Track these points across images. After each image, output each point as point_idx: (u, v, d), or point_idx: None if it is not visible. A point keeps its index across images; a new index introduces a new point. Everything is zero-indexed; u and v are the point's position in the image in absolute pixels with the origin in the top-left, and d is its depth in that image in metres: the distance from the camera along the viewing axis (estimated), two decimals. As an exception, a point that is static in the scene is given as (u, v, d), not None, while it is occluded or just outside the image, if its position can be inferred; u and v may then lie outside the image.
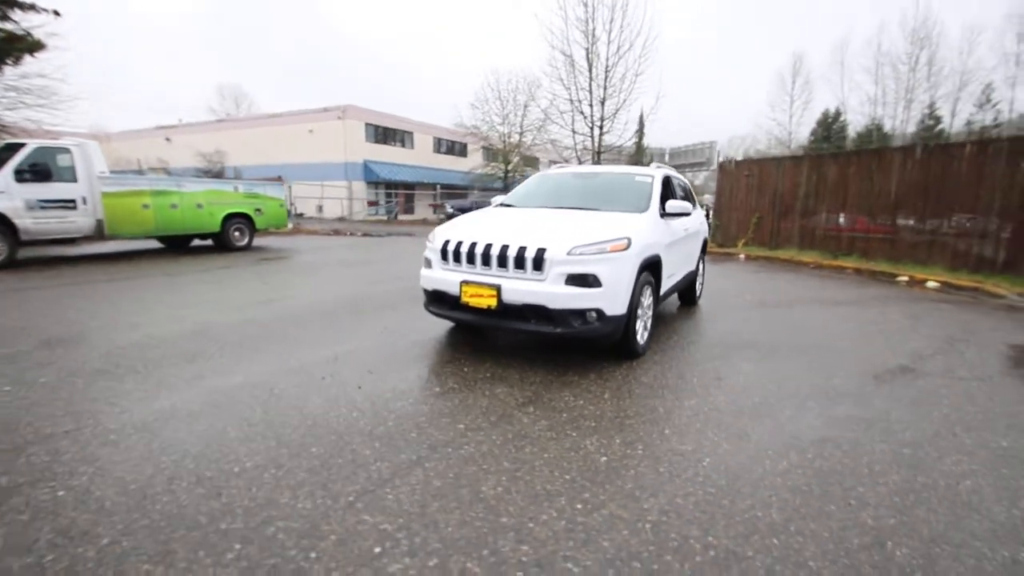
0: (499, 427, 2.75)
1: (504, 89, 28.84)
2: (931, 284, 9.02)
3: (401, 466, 2.31)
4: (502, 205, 5.09)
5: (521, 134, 29.10)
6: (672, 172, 5.75)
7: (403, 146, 30.93)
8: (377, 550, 1.76)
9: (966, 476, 2.43)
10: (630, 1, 19.22)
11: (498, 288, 3.53)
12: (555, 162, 42.02)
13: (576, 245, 3.50)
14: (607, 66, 19.06)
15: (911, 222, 11.45)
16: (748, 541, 1.89)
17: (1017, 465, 2.56)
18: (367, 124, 28.17)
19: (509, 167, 29.40)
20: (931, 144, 12.08)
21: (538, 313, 3.50)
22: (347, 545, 1.77)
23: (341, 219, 25.42)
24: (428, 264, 4.09)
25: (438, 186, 27.61)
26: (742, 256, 13.37)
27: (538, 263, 3.49)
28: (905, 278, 9.64)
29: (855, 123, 40.63)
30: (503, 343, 4.33)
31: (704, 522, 1.99)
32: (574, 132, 20.41)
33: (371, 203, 28.33)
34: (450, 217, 25.17)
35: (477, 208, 23.43)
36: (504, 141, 29.19)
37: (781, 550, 1.85)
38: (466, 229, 4.00)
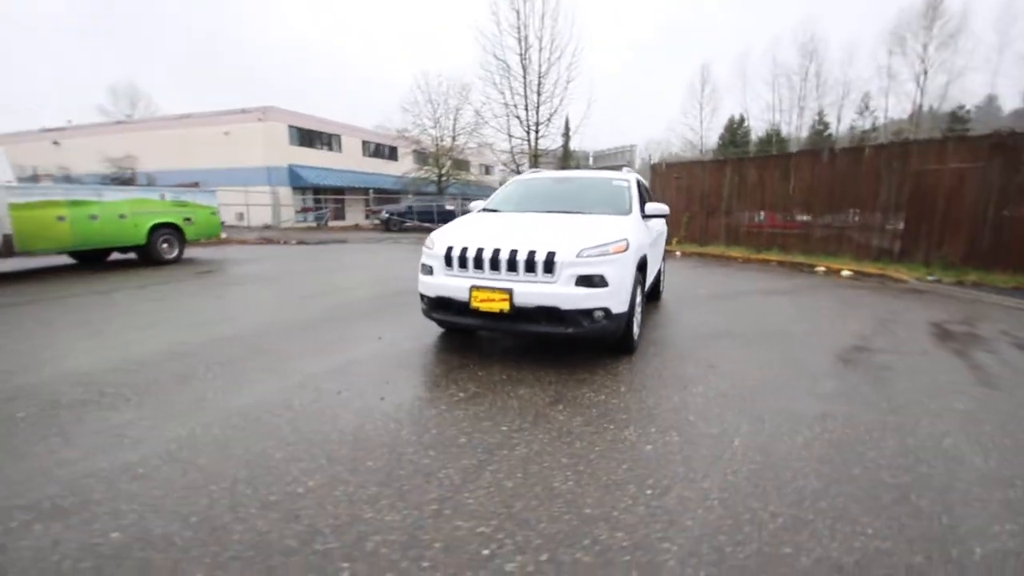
0: (540, 426, 2.83)
1: (435, 92, 28.65)
2: (845, 273, 10.16)
3: (468, 471, 2.33)
4: (486, 211, 5.14)
5: (454, 137, 29.00)
6: (639, 176, 6.08)
7: (330, 149, 29.76)
8: (486, 552, 1.79)
9: (944, 435, 2.85)
10: (560, 12, 19.82)
11: (510, 292, 3.60)
12: (485, 165, 42.21)
13: (584, 248, 3.65)
14: (540, 72, 19.57)
15: (821, 219, 12.81)
16: (803, 507, 2.12)
17: (977, 423, 3.03)
18: (290, 126, 26.81)
19: (443, 171, 29.20)
20: (836, 149, 13.52)
21: (550, 314, 3.62)
22: (455, 551, 1.79)
23: (267, 227, 24.01)
24: (429, 271, 4.07)
25: (371, 191, 26.85)
26: (678, 253, 14.23)
27: (548, 266, 3.61)
28: (823, 268, 10.77)
29: (757, 128, 44.52)
30: (501, 346, 4.39)
31: (760, 495, 2.20)
32: (510, 136, 20.75)
33: (306, 209, 27.02)
34: (385, 223, 24.64)
35: (414, 213, 23.02)
36: (437, 144, 28.96)
37: (833, 511, 2.09)
38: (467, 235, 4.03)
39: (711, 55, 74.37)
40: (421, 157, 32.76)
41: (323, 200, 28.06)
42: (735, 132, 45.38)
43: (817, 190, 12.69)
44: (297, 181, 26.58)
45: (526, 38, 19.19)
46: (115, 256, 10.32)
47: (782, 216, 13.72)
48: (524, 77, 19.56)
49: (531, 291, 3.59)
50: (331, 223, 27.62)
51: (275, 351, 4.15)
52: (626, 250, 3.83)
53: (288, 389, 3.31)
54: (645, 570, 1.73)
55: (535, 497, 2.14)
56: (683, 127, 48.12)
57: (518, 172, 21.62)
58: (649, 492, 2.20)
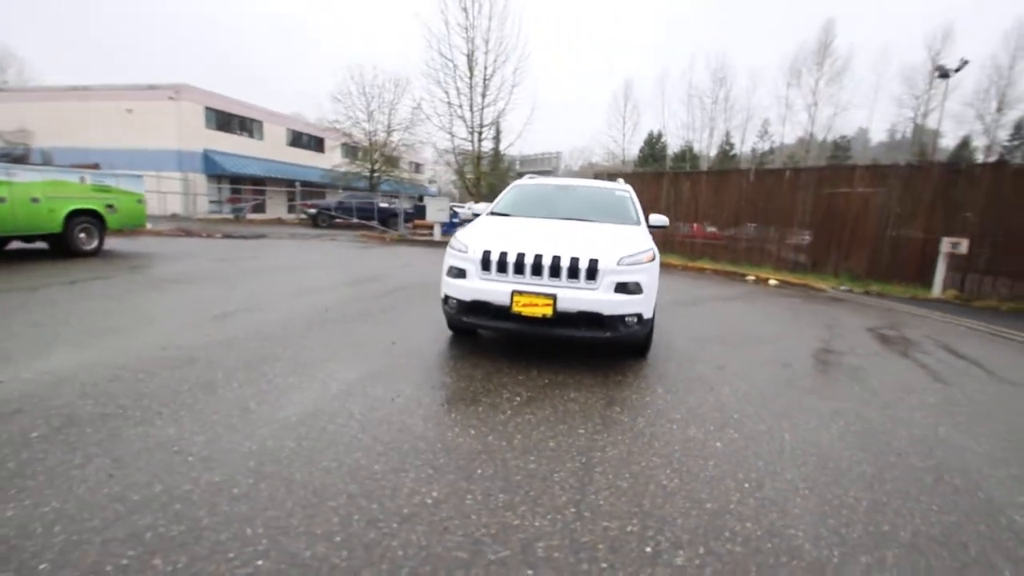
0: (613, 428, 2.95)
1: (369, 85, 27.66)
2: (772, 282, 11.29)
3: (578, 474, 2.39)
4: (494, 214, 5.16)
5: (388, 132, 28.19)
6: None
7: (251, 136, 27.67)
8: (648, 550, 1.88)
9: (935, 425, 3.35)
10: (507, 16, 20.04)
11: (554, 297, 3.68)
12: (415, 163, 41.38)
13: (623, 256, 3.83)
14: (486, 75, 19.64)
15: (746, 232, 14.12)
16: (875, 490, 2.43)
17: (952, 414, 3.59)
18: (207, 108, 24.57)
19: (375, 166, 28.28)
20: (760, 169, 14.96)
21: (591, 319, 3.75)
22: (620, 550, 1.86)
23: (176, 217, 21.83)
24: (460, 274, 4.03)
25: (297, 183, 25.33)
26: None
27: (591, 273, 3.74)
28: (752, 277, 11.87)
29: (673, 144, 47.78)
30: (518, 349, 4.43)
31: (836, 483, 2.48)
32: (453, 136, 20.61)
33: (234, 199, 24.91)
34: (314, 218, 23.34)
35: (344, 209, 22.04)
36: (370, 139, 27.98)
37: (899, 493, 2.42)
38: (500, 239, 4.04)
39: (634, 71, 78.70)
40: (351, 151, 31.49)
41: (243, 190, 26.04)
42: (654, 146, 48.39)
43: (743, 206, 13.97)
44: (213, 168, 24.44)
45: (473, 39, 19.21)
46: (16, 245, 8.96)
47: (713, 228, 14.95)
48: (470, 78, 19.55)
49: (575, 296, 3.70)
50: (250, 216, 25.70)
51: (289, 356, 3.89)
52: (653, 259, 4.06)
53: (337, 397, 3.14)
54: (790, 554, 1.91)
55: (657, 495, 2.25)
56: (607, 138, 50.49)
57: (461, 173, 21.54)
58: (747, 486, 2.40)
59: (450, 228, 19.70)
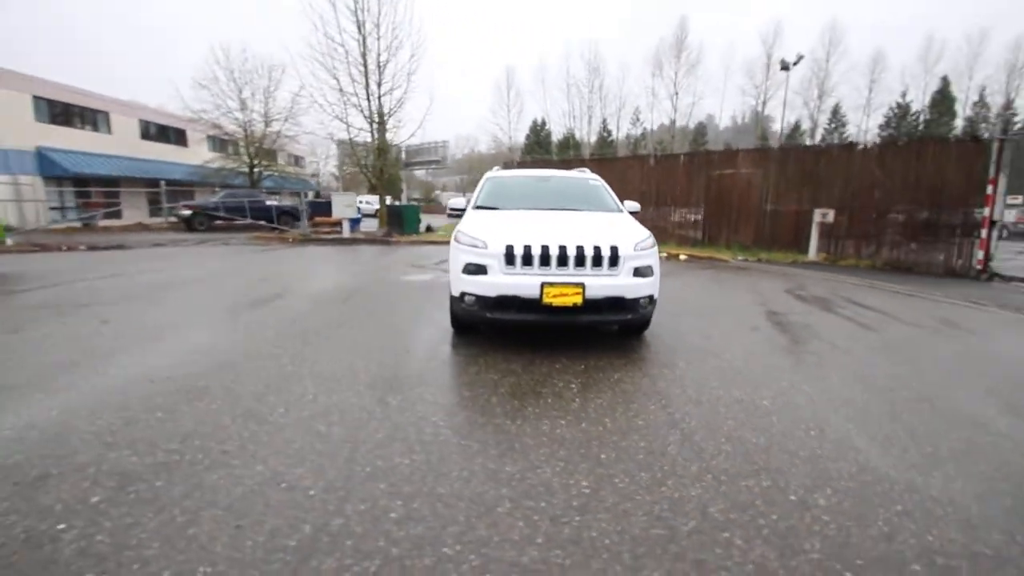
0: (675, 402, 3.22)
1: (239, 69, 24.95)
2: (683, 257, 12.50)
3: (685, 443, 2.61)
4: (480, 208, 5.14)
5: (267, 123, 25.79)
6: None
7: (96, 130, 23.53)
8: (765, 483, 2.16)
9: (891, 364, 4.11)
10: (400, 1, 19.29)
11: (582, 285, 3.84)
12: (295, 156, 38.28)
13: (637, 242, 4.10)
14: (380, 62, 18.79)
15: (647, 212, 15.39)
16: (927, 438, 2.97)
17: (895, 351, 4.42)
18: (36, 97, 20.40)
19: (255, 160, 25.75)
20: (659, 155, 16.32)
21: (615, 304, 3.97)
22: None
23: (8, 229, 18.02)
24: (481, 270, 4.01)
25: (162, 182, 22.19)
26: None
27: (614, 260, 3.95)
28: (664, 254, 13.04)
29: (557, 132, 49.78)
30: (525, 341, 4.51)
31: (883, 438, 2.99)
32: (349, 125, 19.46)
33: (92, 204, 21.06)
34: (188, 221, 20.65)
35: (231, 208, 19.98)
36: (246, 130, 25.37)
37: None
38: (519, 232, 4.08)
39: (514, 60, 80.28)
40: (219, 144, 28.31)
41: (92, 193, 22.24)
42: (539, 134, 50.02)
43: (647, 188, 15.18)
44: (51, 169, 20.49)
45: (364, 23, 18.20)
46: None
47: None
48: (364, 65, 18.53)
49: (601, 283, 3.89)
50: (103, 223, 22.06)
51: (308, 375, 3.60)
52: (655, 244, 4.39)
53: (415, 421, 3.02)
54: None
55: (756, 451, 2.55)
56: (493, 126, 51.02)
57: (361, 166, 20.47)
58: (812, 432, 2.80)
59: (355, 224, 18.78)
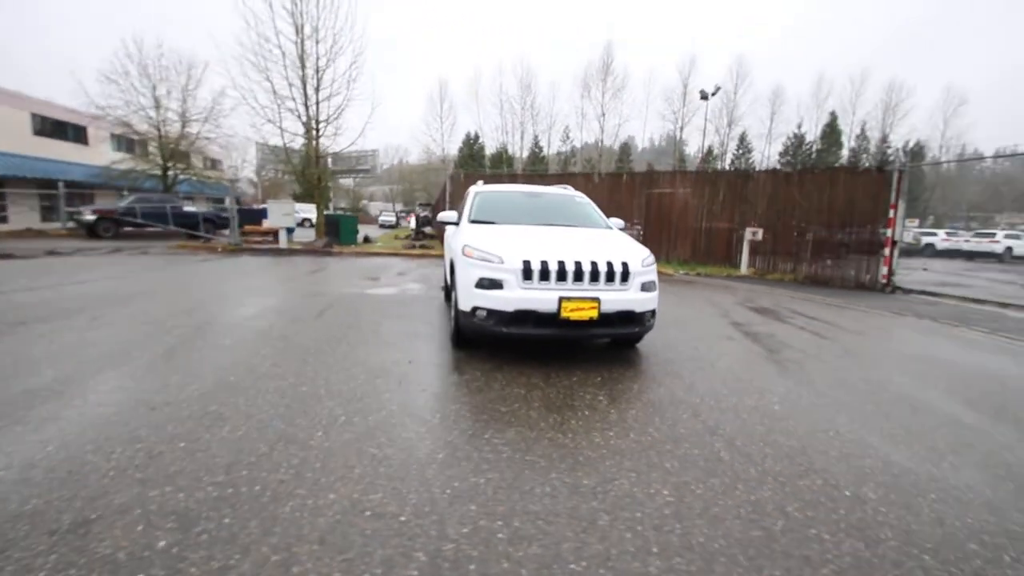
0: (701, 411, 3.40)
1: (154, 65, 22.93)
2: (629, 270, 13.12)
3: (723, 448, 2.79)
4: (477, 222, 5.14)
5: (184, 123, 23.86)
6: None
7: (-26, 122, 20.55)
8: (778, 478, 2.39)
9: (854, 367, 4.61)
10: (340, 6, 18.74)
11: (598, 300, 3.97)
12: (211, 159, 35.65)
13: (643, 258, 4.30)
14: (319, 67, 18.12)
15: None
16: (922, 434, 3.36)
17: (853, 355, 4.96)
18: None
19: (170, 163, 23.70)
20: (603, 173, 17.01)
21: (626, 318, 4.14)
22: (785, 476, 2.33)
23: None
24: (497, 285, 4.01)
25: (61, 183, 19.76)
26: (489, 258, 15.47)
27: (624, 275, 4.12)
28: (611, 267, 13.61)
29: (490, 146, 50.32)
30: (534, 354, 4.56)
31: (888, 436, 3.35)
32: (283, 130, 18.50)
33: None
34: (91, 227, 18.49)
35: (150, 215, 18.42)
36: (159, 129, 23.30)
37: (937, 433, 3.39)
38: (532, 248, 4.14)
39: (448, 72, 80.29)
40: (127, 144, 25.81)
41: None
42: (472, 147, 50.30)
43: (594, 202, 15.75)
44: (-85, 164, 17.59)
45: (303, 26, 17.48)
46: None
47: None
48: (302, 69, 17.75)
49: (615, 298, 4.05)
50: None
51: (326, 395, 3.41)
52: (655, 261, 4.62)
53: (467, 439, 2.96)
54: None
55: (781, 459, 2.78)
56: (426, 137, 50.63)
57: (296, 173, 19.48)
58: (829, 430, 3.09)
59: (288, 234, 17.82)
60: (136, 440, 2.64)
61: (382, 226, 43.55)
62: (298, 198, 37.10)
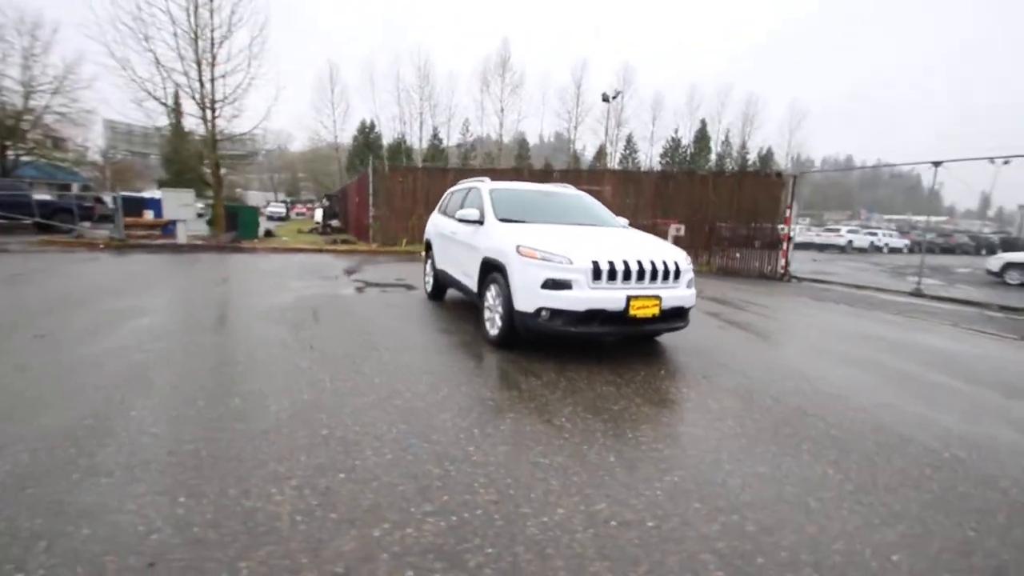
0: (753, 402, 3.80)
1: (-20, 18, 18.60)
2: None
3: (793, 437, 3.19)
4: (507, 220, 5.08)
5: (28, 95, 19.75)
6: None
7: None
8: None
9: (821, 339, 5.42)
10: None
11: (659, 297, 4.21)
12: (53, 137, 29.99)
13: (685, 257, 4.60)
14: (213, 39, 16.10)
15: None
16: (930, 395, 4.04)
17: (813, 328, 5.80)
18: None
19: (8, 143, 19.51)
20: (534, 169, 17.33)
21: (676, 313, 4.43)
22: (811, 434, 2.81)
23: None
24: (565, 286, 4.06)
25: None
26: (423, 253, 15.04)
27: (676, 273, 4.40)
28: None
29: (387, 136, 48.48)
30: (563, 353, 4.68)
31: (915, 399, 4.00)
32: (171, 108, 16.17)
33: None
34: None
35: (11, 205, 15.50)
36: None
37: (936, 393, 4.10)
38: (592, 248, 4.24)
39: (339, 55, 74.97)
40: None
41: None
42: (368, 136, 48.04)
43: (523, 200, 16.08)
44: None
45: (193, -9, 15.34)
46: None
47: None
48: (195, 41, 15.56)
49: (670, 295, 4.31)
50: None
51: (399, 423, 3.24)
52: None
53: (597, 451, 2.99)
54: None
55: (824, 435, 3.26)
56: (316, 123, 47.31)
57: (184, 157, 17.13)
58: (895, 408, 3.65)
59: (173, 227, 15.71)
60: (289, 476, 2.31)
61: (271, 218, 39.93)
62: (164, 185, 32.67)
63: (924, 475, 2.63)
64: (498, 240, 4.76)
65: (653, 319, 4.24)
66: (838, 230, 29.47)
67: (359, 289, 7.88)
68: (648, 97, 53.33)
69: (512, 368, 4.10)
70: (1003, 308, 9.37)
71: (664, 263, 4.34)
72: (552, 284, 4.09)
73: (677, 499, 2.28)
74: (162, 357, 4.00)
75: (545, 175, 16.61)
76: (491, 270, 4.83)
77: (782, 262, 13.24)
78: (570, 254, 4.15)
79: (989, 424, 3.36)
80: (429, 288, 7.25)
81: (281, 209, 41.61)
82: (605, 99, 29.26)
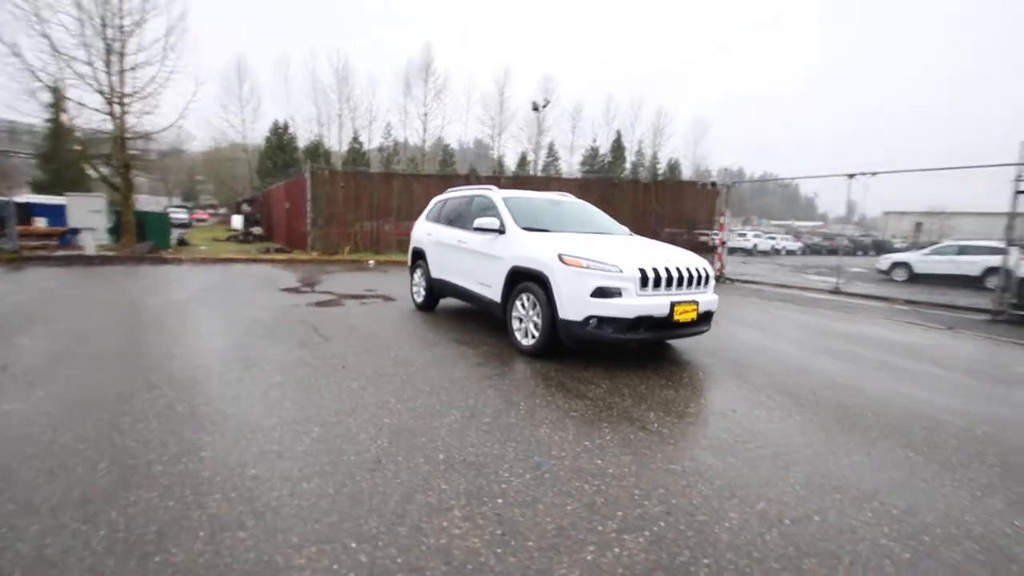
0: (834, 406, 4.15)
1: None
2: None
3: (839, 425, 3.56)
4: (531, 229, 5.07)
5: None
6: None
7: None
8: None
9: (848, 347, 6.02)
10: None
11: (697, 303, 4.43)
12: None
13: (709, 264, 4.88)
14: (122, 26, 14.38)
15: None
16: (924, 381, 4.60)
17: (828, 341, 6.42)
18: None
19: None
20: (480, 175, 17.26)
21: (706, 317, 4.68)
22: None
23: None
24: (615, 294, 4.15)
25: None
26: (371, 263, 14.50)
27: (707, 279, 4.65)
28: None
29: (304, 137, 45.89)
30: (599, 356, 4.81)
31: (916, 385, 4.53)
32: (65, 101, 14.15)
33: None
34: None
35: None
36: None
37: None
38: (634, 256, 4.37)
39: (248, 50, 68.98)
40: None
41: None
42: (281, 137, 45.22)
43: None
44: None
45: (94, -32, 13.55)
46: None
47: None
48: (103, 27, 13.72)
49: (705, 299, 4.56)
50: None
51: (457, 452, 3.18)
52: (694, 264, 5.26)
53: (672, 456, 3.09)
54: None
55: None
56: (222, 122, 43.69)
57: (87, 157, 15.08)
58: (914, 398, 4.13)
59: (71, 236, 13.85)
60: (400, 519, 2.16)
61: (172, 225, 36.11)
62: (40, 188, 28.56)
63: (979, 451, 3.02)
64: (530, 249, 4.75)
65: (690, 323, 4.46)
66: (745, 235, 32.45)
67: (333, 303, 7.41)
68: (569, 107, 55.33)
69: (562, 377, 4.10)
70: (908, 302, 10.85)
71: (696, 269, 4.57)
72: (601, 292, 4.16)
73: (815, 491, 2.44)
74: (231, 380, 3.53)
75: (493, 181, 16.65)
76: (522, 279, 4.80)
77: (718, 264, 14.35)
78: (619, 263, 4.24)
79: (987, 405, 3.92)
80: (419, 299, 7.01)
81: (183, 215, 37.84)
82: (535, 108, 29.94)
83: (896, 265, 16.86)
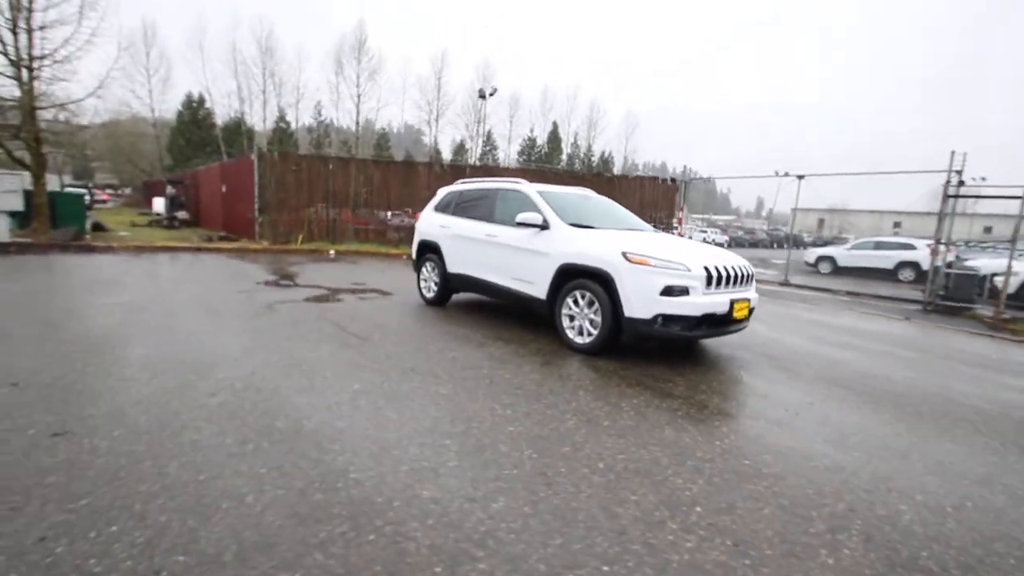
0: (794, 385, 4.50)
1: None
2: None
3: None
4: (578, 226, 5.04)
5: None
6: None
7: None
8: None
9: (843, 338, 6.54)
10: None
11: (749, 299, 4.65)
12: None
13: (750, 264, 5.11)
14: (27, -25, 12.36)
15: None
16: (918, 366, 5.12)
17: (809, 329, 6.95)
18: None
19: None
20: (446, 165, 16.76)
21: (751, 313, 4.91)
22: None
23: None
24: (683, 292, 4.24)
25: None
26: (332, 252, 13.72)
27: (751, 277, 4.87)
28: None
29: (222, 114, 42.20)
30: (645, 354, 4.93)
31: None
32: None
33: None
34: None
35: None
36: None
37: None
38: (696, 255, 4.48)
39: (155, 13, 60.37)
40: None
41: None
42: (196, 111, 41.33)
43: (428, 194, 15.58)
44: None
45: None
46: None
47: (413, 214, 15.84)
48: (4, -25, 11.62)
49: (753, 297, 4.79)
50: None
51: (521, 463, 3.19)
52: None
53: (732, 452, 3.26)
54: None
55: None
56: (125, 91, 39.02)
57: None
58: (922, 384, 4.59)
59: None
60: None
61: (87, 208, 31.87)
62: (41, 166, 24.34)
63: (1010, 428, 3.45)
64: (585, 246, 4.73)
65: (743, 320, 4.67)
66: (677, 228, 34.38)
67: (328, 298, 6.94)
68: (506, 95, 55.02)
69: (633, 375, 4.15)
70: (849, 294, 12.04)
71: (743, 267, 4.78)
72: (670, 291, 4.23)
73: (947, 478, 2.67)
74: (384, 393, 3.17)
75: (456, 169, 16.30)
76: (574, 276, 4.77)
77: (677, 257, 15.10)
78: (685, 261, 4.33)
79: (991, 387, 4.47)
80: (430, 294, 6.74)
81: (85, 195, 33.52)
82: (482, 95, 29.57)
83: (822, 259, 18.59)
